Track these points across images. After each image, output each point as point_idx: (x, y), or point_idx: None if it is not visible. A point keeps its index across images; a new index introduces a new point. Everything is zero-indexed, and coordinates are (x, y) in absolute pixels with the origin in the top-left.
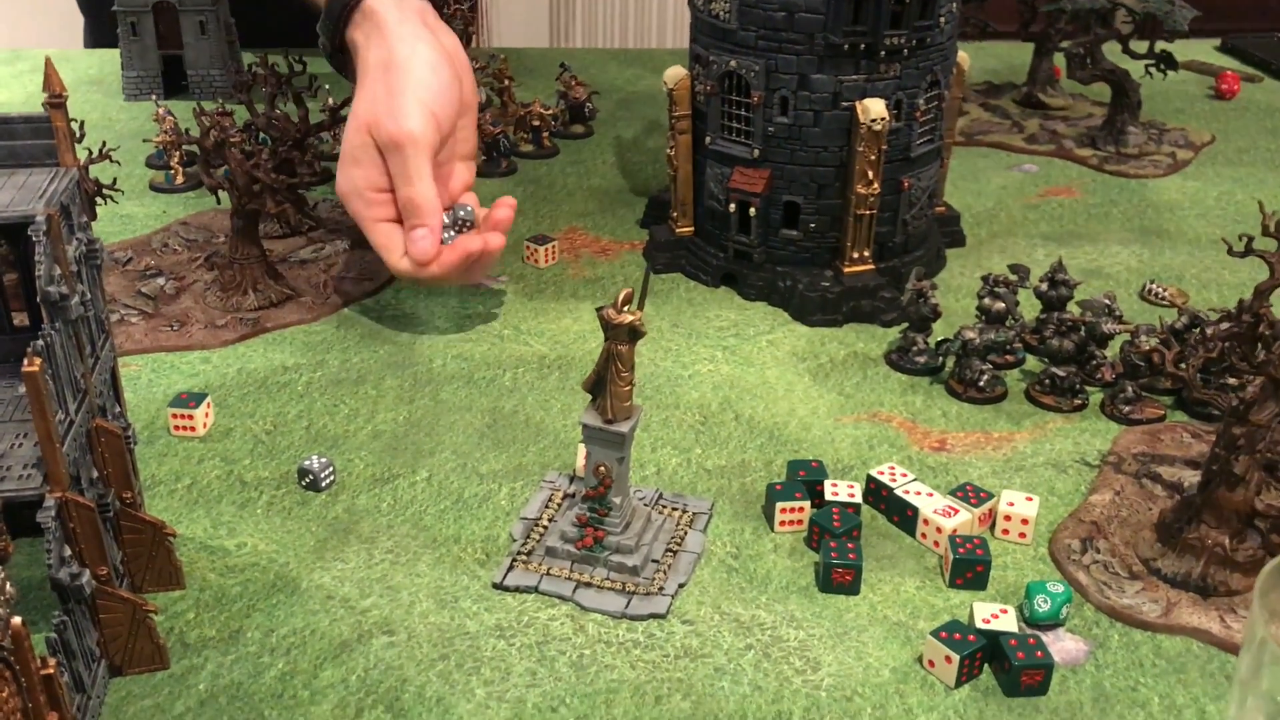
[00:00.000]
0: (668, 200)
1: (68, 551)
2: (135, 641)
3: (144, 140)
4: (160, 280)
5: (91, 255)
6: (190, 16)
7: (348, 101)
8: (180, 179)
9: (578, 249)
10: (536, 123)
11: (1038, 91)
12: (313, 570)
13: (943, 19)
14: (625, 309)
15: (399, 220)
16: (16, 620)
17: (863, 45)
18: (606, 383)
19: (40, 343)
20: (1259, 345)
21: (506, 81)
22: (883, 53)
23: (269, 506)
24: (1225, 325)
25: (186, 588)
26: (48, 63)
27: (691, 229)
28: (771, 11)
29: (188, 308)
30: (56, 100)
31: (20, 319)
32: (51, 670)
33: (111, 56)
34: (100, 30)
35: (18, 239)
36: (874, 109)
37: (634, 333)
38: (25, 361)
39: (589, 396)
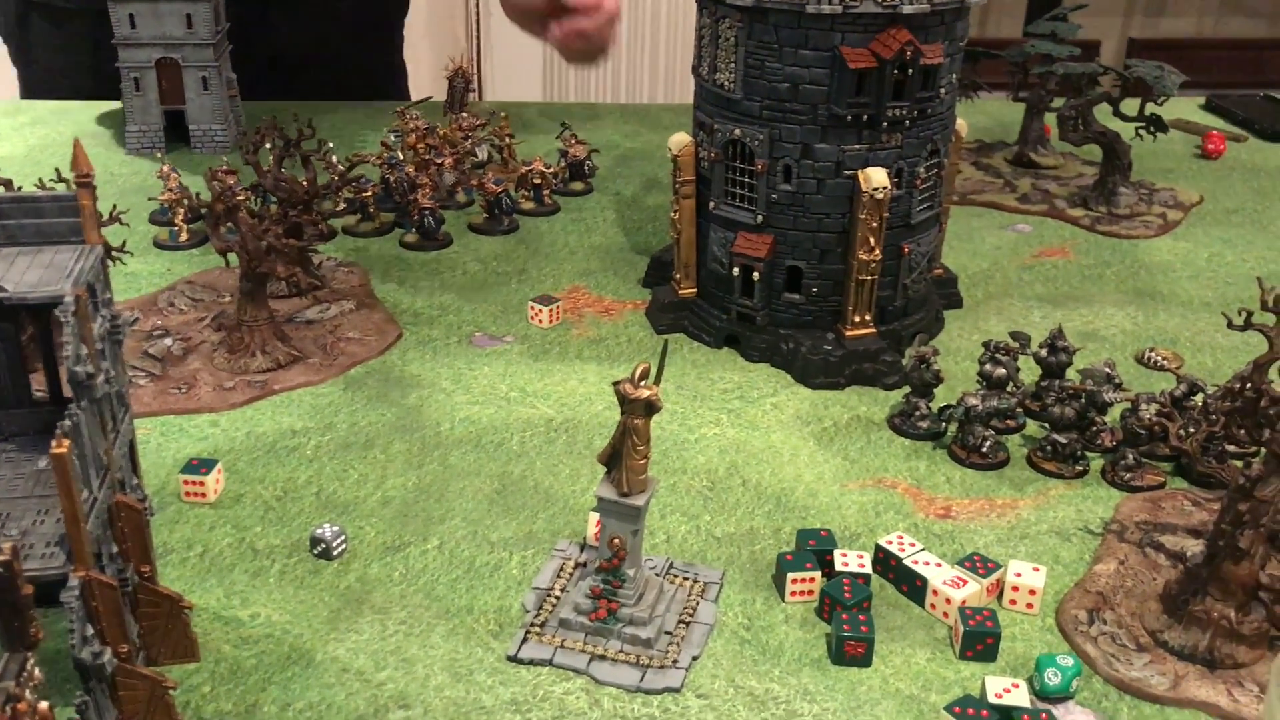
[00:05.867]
0: (669, 260)
1: (90, 631)
2: (154, 718)
3: (149, 199)
4: (167, 341)
5: (114, 331)
6: (193, 72)
7: (354, 165)
8: (185, 236)
9: (580, 309)
10: (538, 181)
11: (1029, 151)
12: (327, 642)
13: (943, 90)
14: (642, 384)
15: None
16: (44, 705)
17: (865, 116)
18: (622, 456)
19: (68, 423)
20: (1260, 419)
21: (507, 139)
22: (885, 123)
23: (281, 575)
24: (1226, 400)
25: (202, 660)
26: (76, 143)
27: (694, 290)
28: (776, 83)
29: (195, 369)
30: (84, 180)
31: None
32: None
33: (110, 109)
34: (31, 81)
35: (40, 314)
36: (876, 178)
37: (650, 407)
38: (54, 443)
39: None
